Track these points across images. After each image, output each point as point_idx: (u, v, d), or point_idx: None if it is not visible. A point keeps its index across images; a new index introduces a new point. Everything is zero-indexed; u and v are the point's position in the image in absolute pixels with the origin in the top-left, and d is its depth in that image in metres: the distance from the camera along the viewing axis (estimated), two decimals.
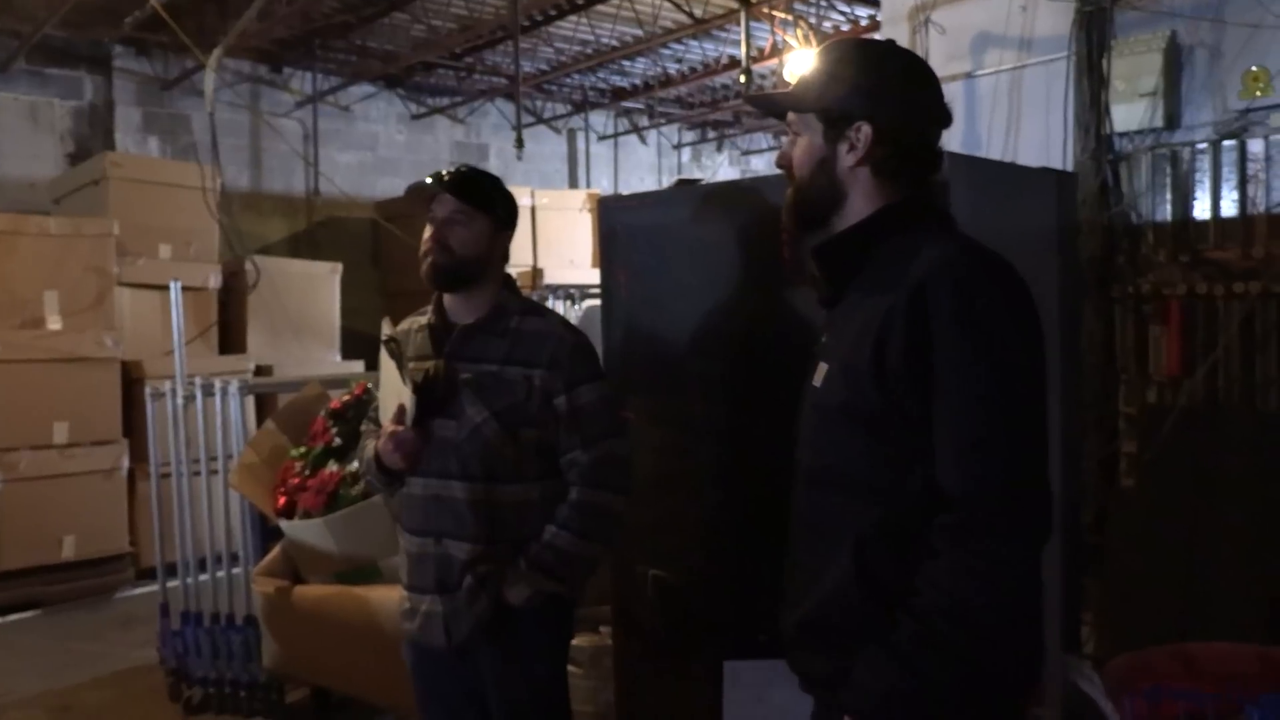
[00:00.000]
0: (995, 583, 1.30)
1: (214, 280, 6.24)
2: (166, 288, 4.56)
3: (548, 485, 2.15)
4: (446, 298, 2.23)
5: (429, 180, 2.17)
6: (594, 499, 2.12)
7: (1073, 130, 3.40)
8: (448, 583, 2.13)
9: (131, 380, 5.63)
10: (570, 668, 2.98)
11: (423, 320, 2.27)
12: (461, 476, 2.12)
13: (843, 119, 1.48)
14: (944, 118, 1.54)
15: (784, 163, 1.57)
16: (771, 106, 1.64)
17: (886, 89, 1.48)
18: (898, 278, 1.38)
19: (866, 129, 1.47)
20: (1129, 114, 3.31)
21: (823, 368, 1.50)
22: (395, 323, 2.35)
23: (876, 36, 5.03)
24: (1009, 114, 3.64)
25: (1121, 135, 3.35)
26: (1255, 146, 3.14)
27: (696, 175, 9.11)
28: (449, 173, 2.20)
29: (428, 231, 2.17)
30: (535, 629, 2.15)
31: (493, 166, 8.82)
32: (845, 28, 6.78)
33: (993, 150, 3.62)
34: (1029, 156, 3.41)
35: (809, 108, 1.52)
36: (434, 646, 2.17)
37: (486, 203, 2.19)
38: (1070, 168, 3.35)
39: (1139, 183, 3.33)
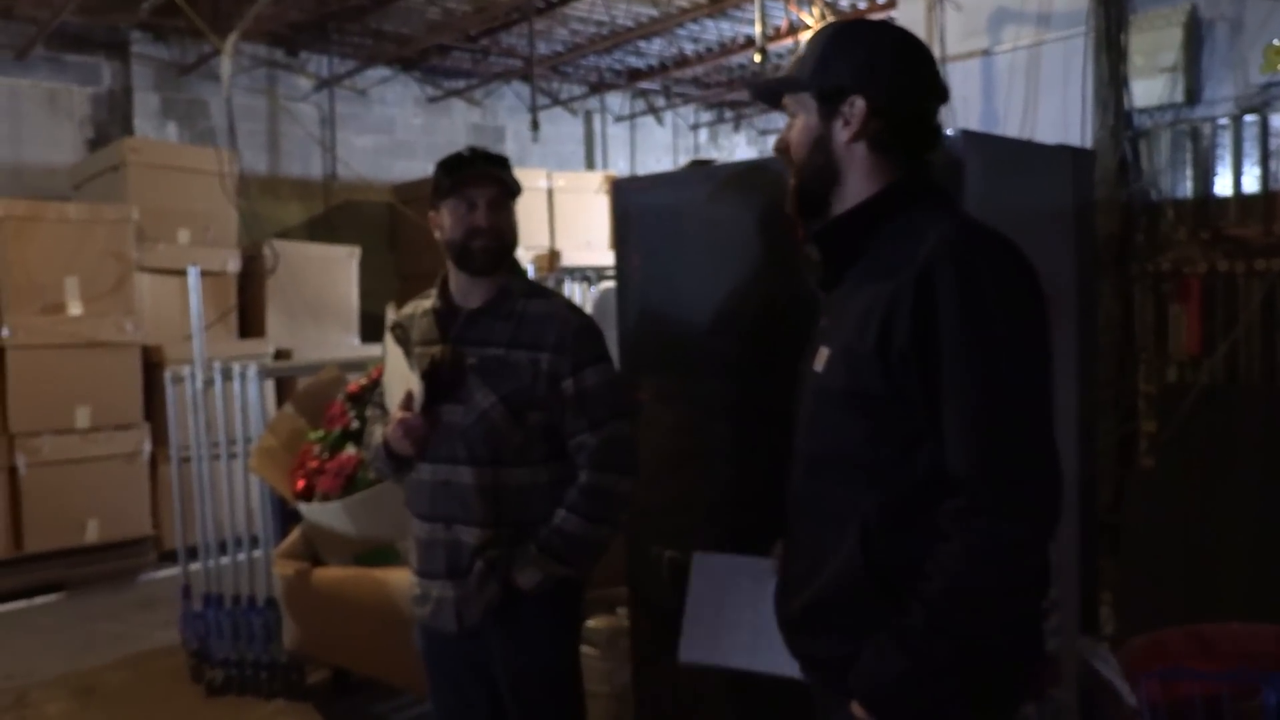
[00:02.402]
0: (1003, 566, 1.30)
1: (233, 264, 6.27)
2: (185, 272, 4.59)
3: (554, 468, 2.15)
4: (452, 281, 2.22)
5: (465, 164, 2.17)
6: (602, 482, 2.12)
7: (1091, 107, 3.36)
8: (458, 568, 2.13)
9: (152, 365, 5.69)
10: (586, 649, 2.99)
11: (427, 304, 2.26)
12: (468, 461, 2.11)
13: (835, 95, 1.48)
14: (939, 92, 1.53)
15: (782, 146, 1.56)
16: (767, 92, 1.63)
17: (877, 63, 1.48)
18: (901, 260, 1.38)
19: (860, 103, 1.46)
20: (1149, 89, 3.26)
21: (823, 352, 1.49)
22: (400, 308, 2.34)
23: (893, 14, 4.99)
24: (1026, 91, 3.60)
25: (1141, 111, 3.30)
26: (1277, 122, 3.09)
27: (713, 155, 9.07)
28: (476, 155, 2.19)
29: (462, 214, 2.14)
30: (545, 612, 2.15)
31: (509, 149, 8.81)
32: (862, 5, 6.71)
33: (1010, 128, 3.58)
34: (1047, 134, 3.37)
35: (802, 87, 1.51)
36: (445, 631, 2.18)
37: (515, 185, 2.21)
38: (1089, 144, 3.31)
39: (1159, 159, 3.29)
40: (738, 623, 1.84)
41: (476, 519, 2.11)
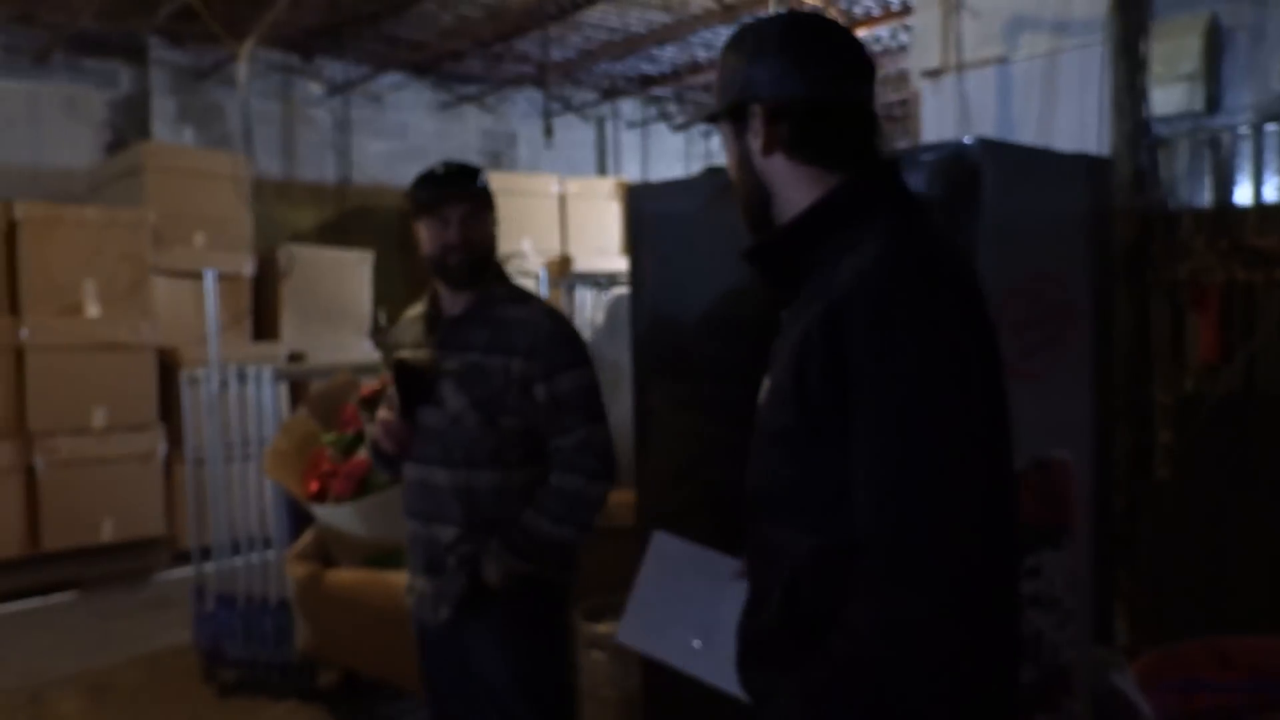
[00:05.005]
0: (906, 637, 1.15)
1: (248, 268, 6.31)
2: (201, 275, 4.62)
3: (530, 471, 2.20)
4: (442, 288, 2.30)
5: (437, 183, 2.22)
6: (569, 483, 2.17)
7: (1109, 115, 3.35)
8: (434, 564, 2.22)
9: (167, 366, 5.72)
10: (595, 653, 2.99)
11: (420, 310, 2.36)
12: (443, 463, 2.19)
13: (739, 109, 1.36)
14: (850, 70, 1.35)
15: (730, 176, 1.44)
16: (710, 121, 1.49)
17: (765, 62, 1.33)
18: (827, 286, 1.25)
19: (756, 109, 1.34)
20: (1167, 97, 3.24)
21: (765, 383, 1.38)
22: (393, 313, 2.40)
23: (908, 21, 4.97)
24: (1043, 99, 3.59)
25: (1160, 119, 3.28)
26: None
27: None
28: (448, 172, 2.25)
29: (437, 231, 2.20)
30: (519, 609, 2.20)
31: (521, 155, 8.83)
32: (876, 12, 6.71)
33: (1026, 135, 3.57)
34: (1064, 142, 3.35)
35: (718, 113, 1.40)
36: (428, 624, 2.26)
37: (488, 195, 2.27)
38: (1106, 153, 3.29)
39: (1177, 168, 3.27)
40: (685, 620, 1.68)
41: (450, 518, 2.20)
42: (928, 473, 1.16)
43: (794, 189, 1.35)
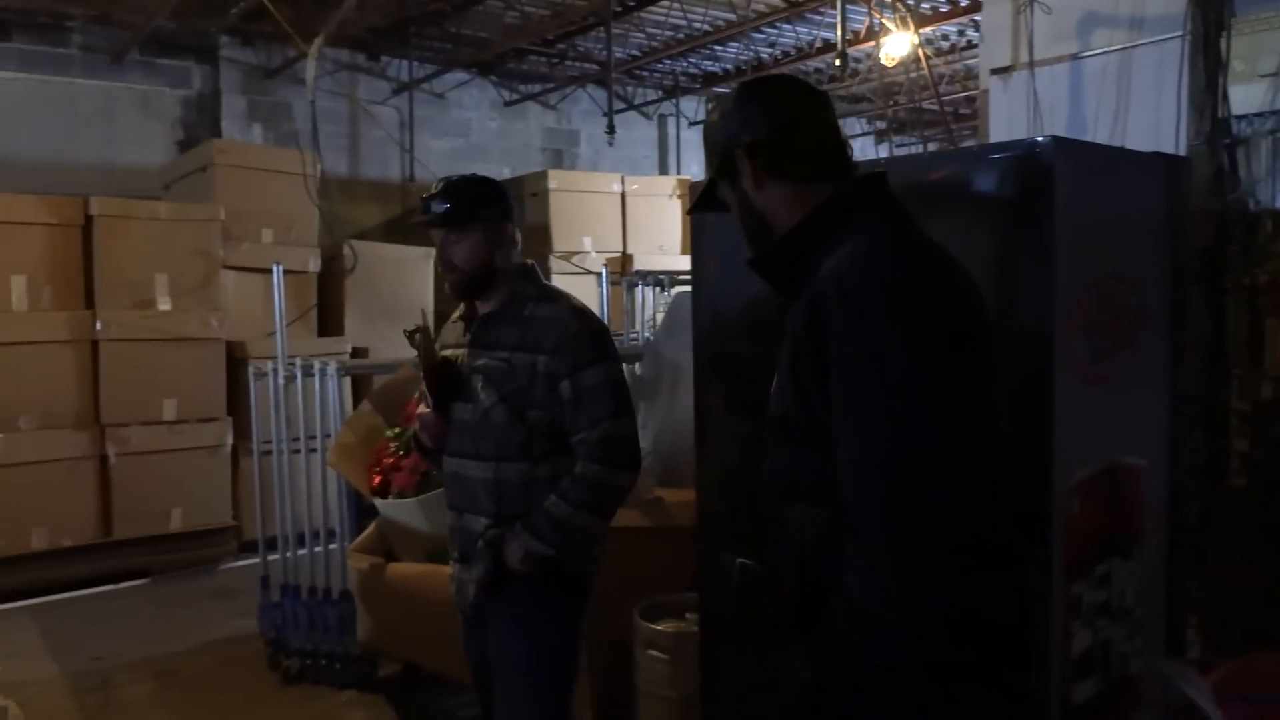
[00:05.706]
0: (877, 587, 1.31)
1: (313, 264, 6.41)
2: (269, 271, 4.70)
3: (556, 463, 2.27)
4: None
5: (422, 206, 2.33)
6: (593, 473, 2.23)
7: (1186, 113, 3.25)
8: (468, 553, 2.32)
9: (235, 360, 5.84)
10: (653, 652, 2.99)
11: (461, 312, 2.49)
12: (474, 456, 2.29)
13: (728, 164, 1.57)
14: (804, 99, 1.59)
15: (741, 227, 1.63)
16: (713, 205, 1.68)
17: (731, 115, 1.58)
18: (812, 283, 1.43)
19: (740, 153, 1.55)
20: (1248, 96, 3.14)
21: (776, 377, 1.54)
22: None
23: (977, 18, 4.88)
24: (1117, 97, 3.50)
25: (1239, 118, 3.18)
26: None
27: None
28: (430, 196, 2.32)
29: (437, 249, 2.36)
30: (537, 595, 2.27)
31: (583, 153, 8.87)
32: (944, 8, 6.61)
33: (1099, 134, 3.48)
34: (1138, 141, 3.27)
35: (714, 175, 1.61)
36: (465, 611, 2.37)
37: (469, 219, 2.29)
38: (1183, 152, 3.20)
39: (1258, 168, 3.16)
40: None
41: (482, 509, 2.29)
42: (895, 450, 1.31)
43: (789, 209, 1.53)
